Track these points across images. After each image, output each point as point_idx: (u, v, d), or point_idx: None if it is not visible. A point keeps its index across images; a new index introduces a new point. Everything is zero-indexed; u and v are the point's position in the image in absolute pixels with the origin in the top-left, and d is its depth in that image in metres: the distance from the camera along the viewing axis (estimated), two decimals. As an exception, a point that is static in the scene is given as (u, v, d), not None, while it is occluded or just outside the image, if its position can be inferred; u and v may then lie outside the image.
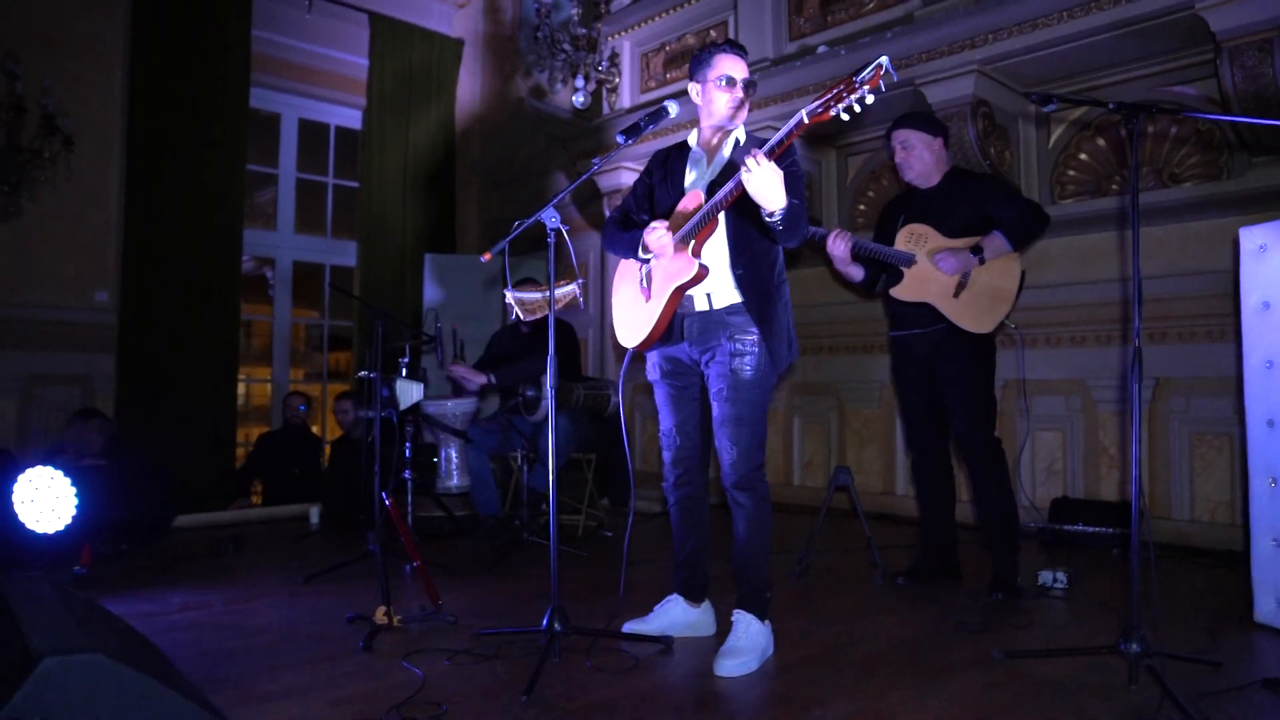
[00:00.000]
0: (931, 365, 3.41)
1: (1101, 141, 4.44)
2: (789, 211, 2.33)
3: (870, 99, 2.12)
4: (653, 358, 2.81)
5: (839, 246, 3.38)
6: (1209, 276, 4.06)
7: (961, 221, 3.35)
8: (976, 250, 3.27)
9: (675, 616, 2.80)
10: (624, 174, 5.97)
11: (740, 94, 2.60)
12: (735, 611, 2.59)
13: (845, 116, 2.16)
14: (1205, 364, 4.13)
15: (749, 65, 2.66)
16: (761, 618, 2.58)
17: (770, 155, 2.24)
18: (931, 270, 3.35)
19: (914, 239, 3.43)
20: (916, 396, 3.50)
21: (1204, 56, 3.82)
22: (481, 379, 4.43)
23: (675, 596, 2.83)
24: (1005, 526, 3.31)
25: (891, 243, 3.46)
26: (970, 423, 3.32)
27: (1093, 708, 2.14)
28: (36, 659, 1.13)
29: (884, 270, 3.52)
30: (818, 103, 2.17)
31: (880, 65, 2.09)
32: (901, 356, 3.54)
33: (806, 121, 2.20)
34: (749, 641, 2.50)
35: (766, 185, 2.25)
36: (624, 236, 2.77)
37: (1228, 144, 4.01)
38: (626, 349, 2.77)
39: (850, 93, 2.12)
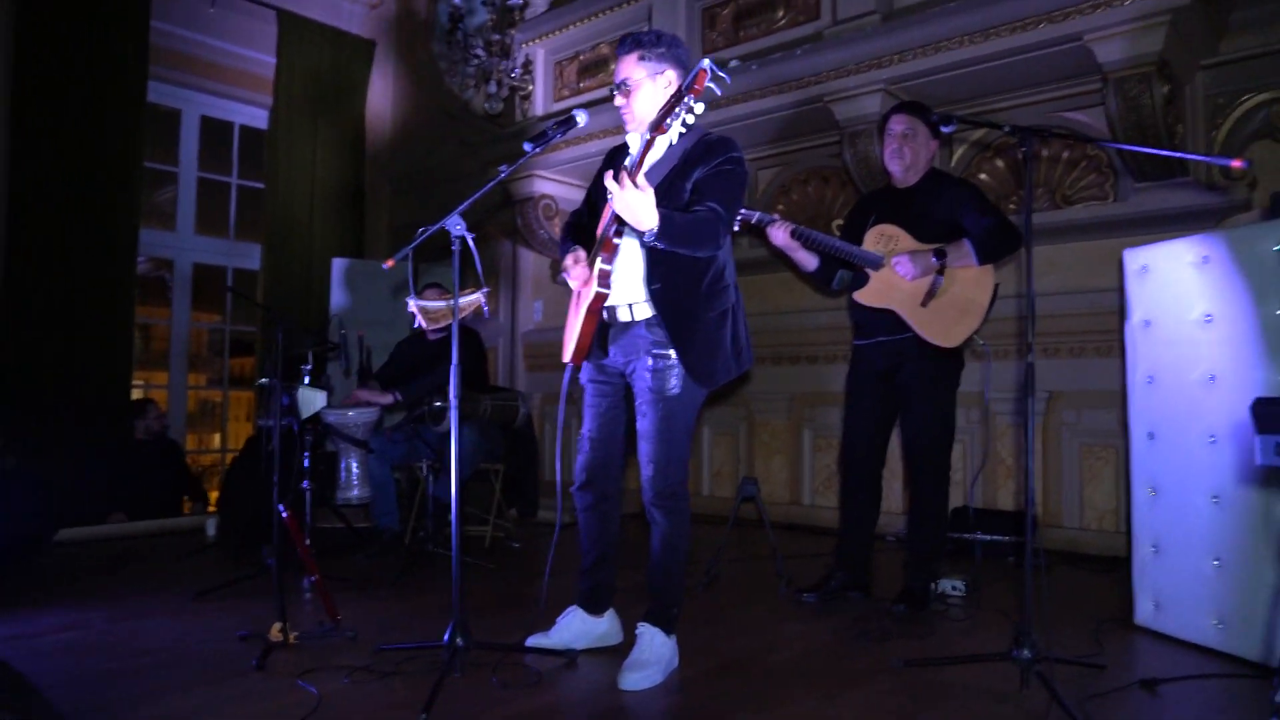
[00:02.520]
0: (892, 378, 3.26)
1: (1000, 163, 4.61)
2: (664, 229, 2.25)
3: (700, 106, 2.15)
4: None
5: (777, 235, 3.22)
6: (1097, 295, 4.25)
7: (937, 227, 3.18)
8: (940, 255, 3.11)
9: (577, 629, 2.75)
10: (536, 181, 5.93)
11: (620, 98, 2.53)
12: (640, 624, 2.55)
13: (683, 128, 2.23)
14: (1094, 378, 4.32)
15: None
16: (668, 632, 2.55)
17: (631, 176, 2.21)
18: (898, 275, 3.19)
19: (883, 240, 3.25)
20: (867, 412, 3.34)
21: (1093, 85, 4.01)
22: (387, 399, 4.32)
23: (574, 608, 2.78)
24: (932, 549, 3.26)
25: (860, 242, 3.28)
26: (926, 441, 3.20)
27: (987, 712, 2.21)
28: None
29: (843, 267, 3.36)
30: (655, 117, 2.24)
31: (703, 70, 2.10)
32: (861, 367, 3.36)
33: (650, 137, 2.27)
34: (653, 654, 2.47)
35: (630, 207, 2.21)
36: (561, 247, 2.72)
37: (1115, 169, 4.22)
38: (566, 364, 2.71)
39: (679, 102, 2.15)
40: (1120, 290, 3.10)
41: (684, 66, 2.52)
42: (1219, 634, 2.64)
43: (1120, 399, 4.12)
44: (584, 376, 2.76)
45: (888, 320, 3.21)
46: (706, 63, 2.11)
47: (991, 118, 4.40)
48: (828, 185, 5.27)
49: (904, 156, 3.25)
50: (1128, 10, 3.51)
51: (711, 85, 2.12)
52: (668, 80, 2.49)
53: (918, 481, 3.28)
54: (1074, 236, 4.37)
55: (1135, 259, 2.96)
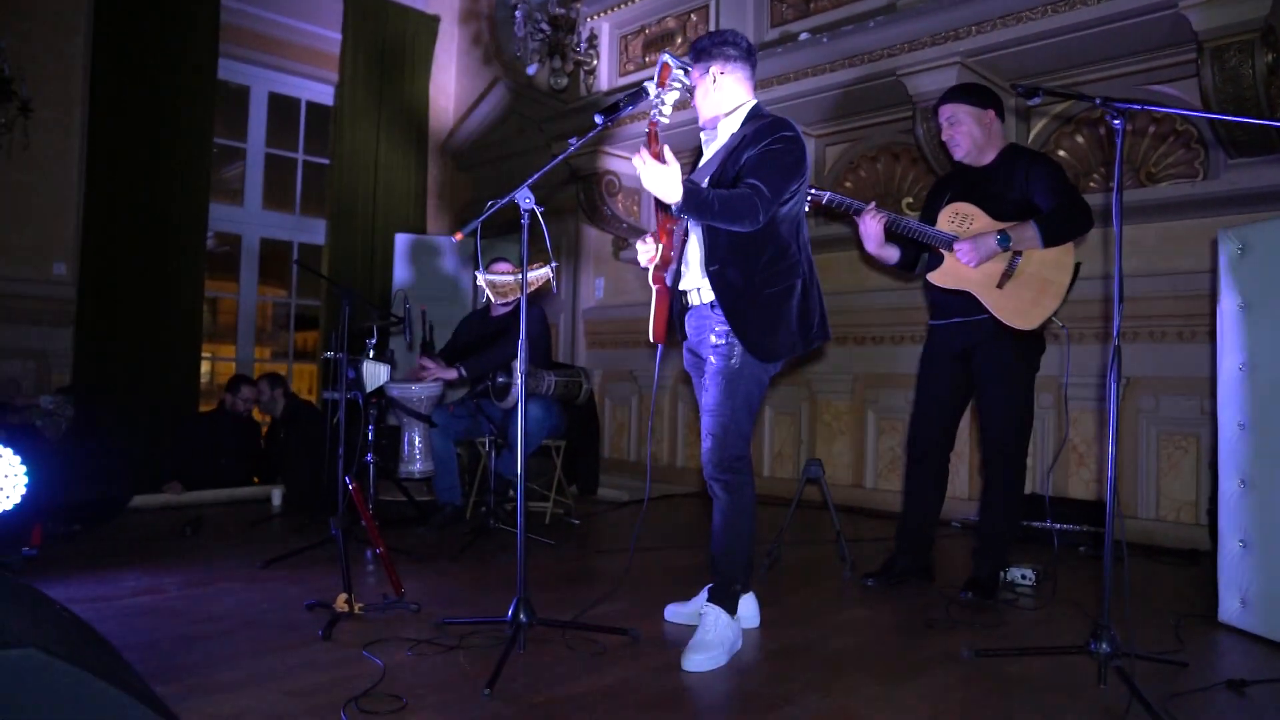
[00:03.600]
0: (969, 361, 3.17)
1: (1080, 138, 4.43)
2: (688, 201, 2.31)
3: (671, 95, 2.38)
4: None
5: (871, 226, 3.14)
6: (1182, 277, 4.08)
7: (1013, 204, 3.06)
8: (1004, 238, 2.99)
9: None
10: (600, 157, 5.89)
11: None
12: (705, 605, 2.55)
13: (664, 119, 2.42)
14: (1175, 364, 4.15)
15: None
16: (731, 612, 2.54)
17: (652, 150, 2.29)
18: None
19: (958, 219, 3.14)
20: (941, 393, 3.25)
21: (1185, 56, 3.82)
22: (451, 374, 4.34)
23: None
24: (1003, 539, 3.18)
25: (934, 222, 3.18)
26: (1002, 428, 3.10)
27: (1062, 707, 2.13)
28: (-37, 653, 1.06)
29: (924, 250, 3.28)
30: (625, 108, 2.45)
31: (665, 64, 2.35)
32: (937, 347, 3.27)
33: (650, 128, 2.41)
34: (716, 636, 2.46)
35: (653, 182, 2.28)
36: None
37: (1205, 144, 4.02)
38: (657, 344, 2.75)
39: (655, 95, 2.38)
40: (1212, 272, 2.96)
41: (729, 60, 2.62)
42: (1312, 634, 2.52)
43: (1204, 386, 3.96)
44: (686, 363, 2.82)
45: (963, 301, 3.11)
46: (665, 57, 2.37)
47: (1074, 89, 4.24)
48: (898, 162, 5.13)
49: (959, 144, 3.18)
50: (1230, -27, 3.32)
51: (679, 75, 2.38)
52: (712, 77, 2.62)
53: (991, 467, 3.19)
54: (1158, 216, 4.19)
55: (1233, 239, 2.80)
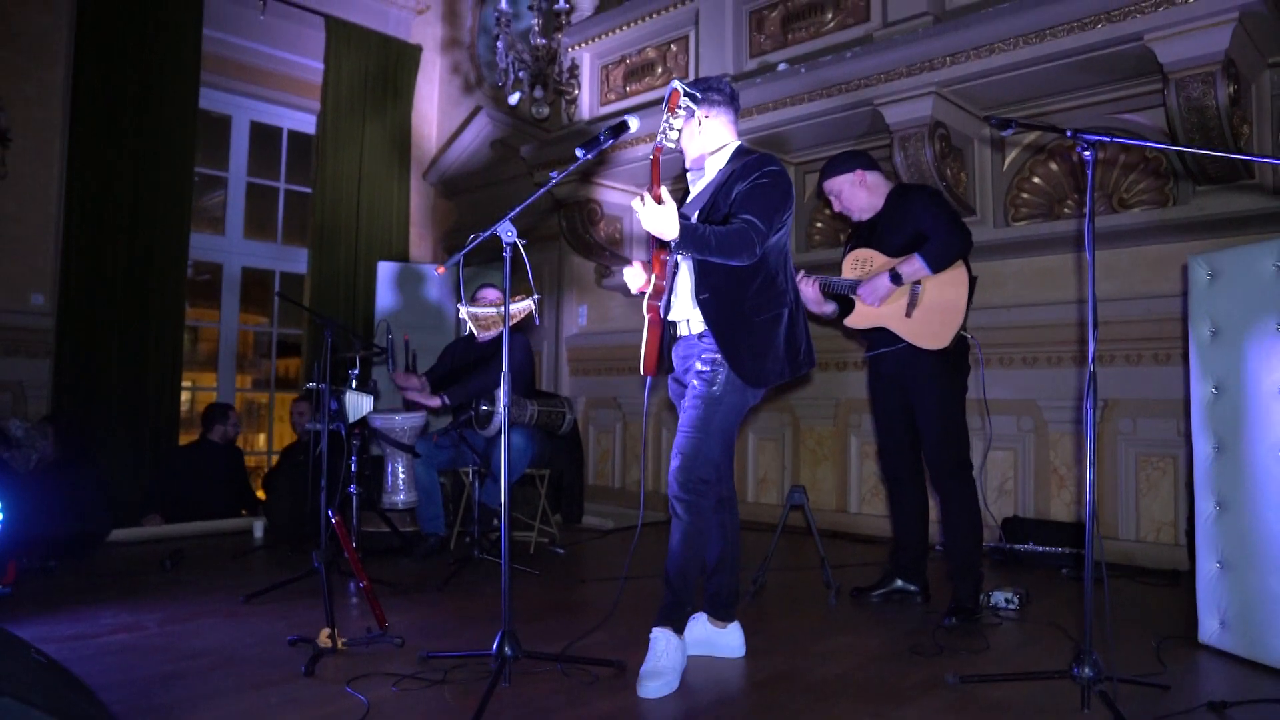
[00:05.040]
0: (902, 382, 3.39)
1: (1054, 165, 4.51)
2: (685, 239, 2.41)
3: (678, 121, 2.47)
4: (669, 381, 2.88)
5: (807, 290, 3.37)
6: (1156, 300, 4.14)
7: (901, 241, 3.33)
8: (895, 276, 3.27)
9: (697, 635, 2.76)
10: (584, 185, 5.93)
11: None
12: (654, 630, 2.55)
13: (670, 144, 2.50)
14: (1152, 386, 4.20)
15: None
16: (679, 633, 2.57)
17: (651, 192, 2.37)
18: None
19: (859, 264, 3.45)
20: (889, 411, 3.46)
21: (1153, 86, 3.90)
22: (435, 403, 4.34)
23: (699, 614, 2.80)
24: (969, 554, 3.27)
25: (840, 272, 3.48)
26: (939, 448, 3.28)
27: (1047, 734, 2.15)
28: (-59, 701, 1.04)
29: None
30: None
31: (674, 90, 2.44)
32: (874, 377, 3.52)
33: (652, 155, 2.50)
34: (669, 661, 2.48)
35: (651, 222, 2.37)
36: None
37: (1174, 172, 4.09)
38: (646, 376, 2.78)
39: (663, 120, 2.46)
40: (1183, 296, 3.01)
41: (714, 104, 2.73)
42: (1290, 655, 2.55)
43: (1180, 408, 4.01)
44: (671, 392, 2.87)
45: (883, 334, 3.38)
46: (675, 83, 2.46)
47: (1046, 120, 4.31)
48: (875, 189, 5.19)
49: (849, 210, 3.50)
50: (1192, 9, 3.40)
51: (686, 101, 2.46)
52: (697, 120, 2.70)
53: (939, 486, 3.35)
54: (1131, 241, 4.26)
55: (1202, 265, 2.86)
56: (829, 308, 3.52)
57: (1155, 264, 4.22)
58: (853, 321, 3.45)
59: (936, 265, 3.23)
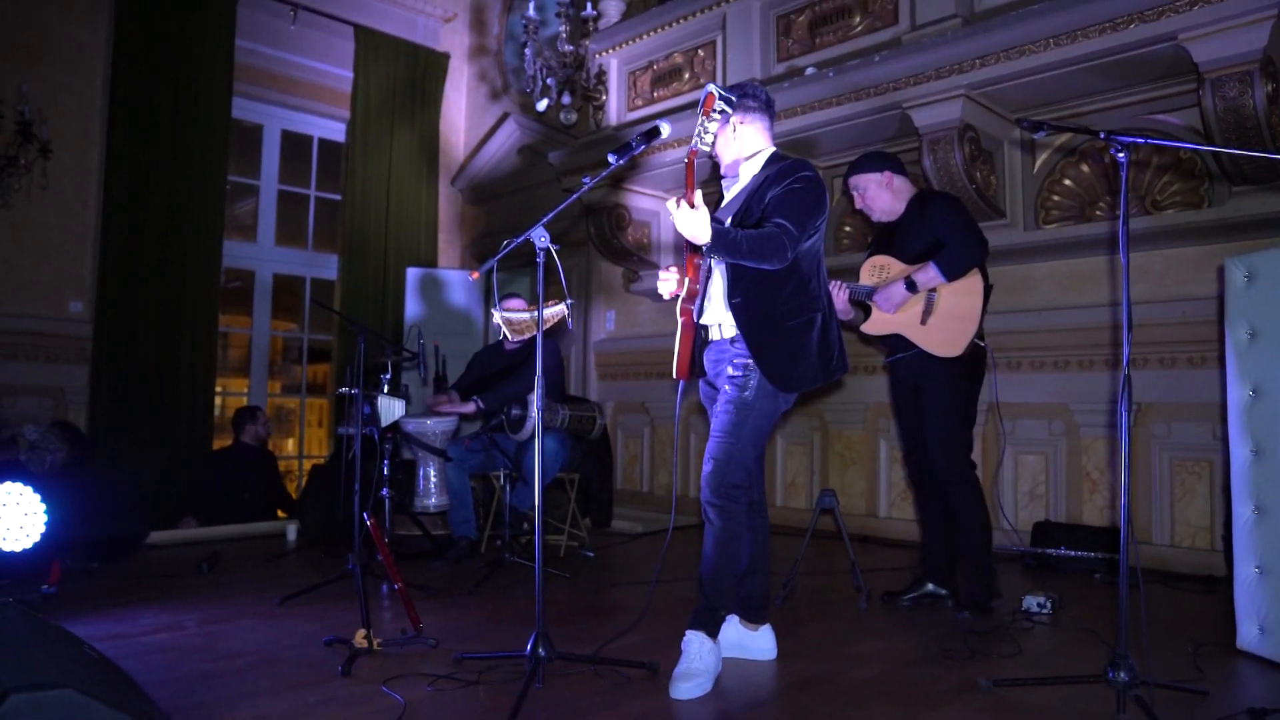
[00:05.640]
0: (917, 386, 3.43)
1: (1086, 167, 4.47)
2: (717, 243, 2.43)
3: (713, 124, 2.50)
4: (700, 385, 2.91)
5: (839, 299, 3.38)
6: (1190, 303, 4.10)
7: (919, 248, 3.36)
8: (910, 284, 3.30)
9: (729, 636, 2.77)
10: (612, 191, 5.96)
11: None
12: (688, 633, 2.56)
13: (705, 147, 2.54)
14: (1186, 390, 4.16)
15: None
16: (713, 637, 2.57)
17: (686, 198, 2.39)
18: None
19: (876, 270, 3.48)
20: (908, 416, 3.51)
21: (1187, 86, 3.86)
22: (469, 408, 4.39)
23: (731, 617, 2.80)
24: (976, 551, 3.33)
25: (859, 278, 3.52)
26: (940, 451, 3.33)
27: (1083, 739, 2.13)
28: (3, 695, 1.08)
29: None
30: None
31: (710, 93, 2.47)
32: (893, 378, 3.57)
33: (687, 159, 2.51)
34: (702, 664, 2.49)
35: (684, 226, 2.39)
36: None
37: (1209, 173, 4.05)
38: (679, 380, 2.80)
39: (698, 124, 2.49)
40: (1218, 298, 2.98)
41: (749, 110, 2.75)
42: (1332, 662, 2.51)
43: (1216, 411, 3.97)
44: (702, 395, 2.89)
45: (899, 340, 3.43)
46: (710, 87, 2.48)
47: (1078, 121, 4.28)
48: (904, 192, 5.17)
49: (872, 209, 3.50)
50: (1229, 6, 3.36)
51: (721, 105, 2.48)
52: (732, 126, 2.74)
53: (945, 490, 3.38)
54: (1164, 243, 4.22)
55: (1239, 266, 2.83)
56: (857, 315, 3.55)
57: (1189, 266, 4.18)
58: (869, 327, 3.49)
59: (951, 274, 3.27)
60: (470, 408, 4.37)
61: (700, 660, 2.49)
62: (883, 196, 3.46)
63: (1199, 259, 4.14)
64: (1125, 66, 3.88)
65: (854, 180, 3.51)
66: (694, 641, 2.53)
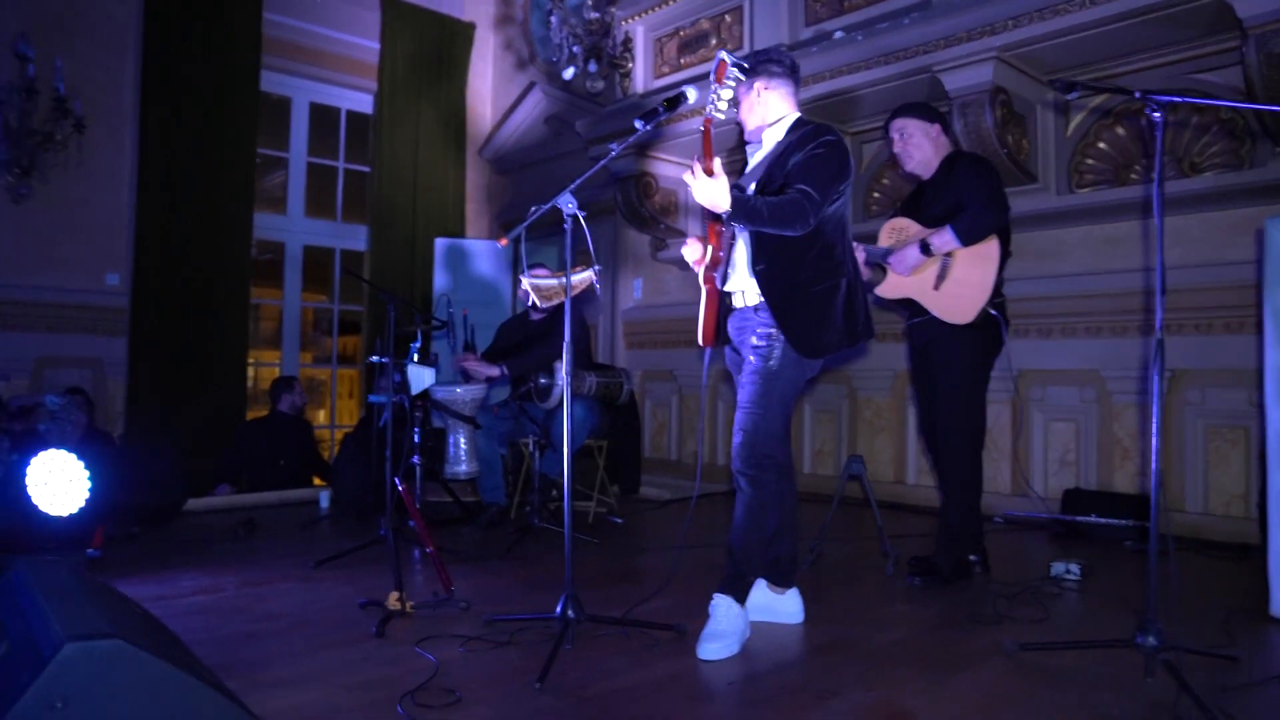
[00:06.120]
0: (927, 353, 3.40)
1: (1121, 130, 4.39)
2: (737, 210, 2.43)
3: (726, 92, 2.50)
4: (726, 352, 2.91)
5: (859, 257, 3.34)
6: (1228, 268, 4.02)
7: (940, 211, 3.28)
8: (924, 247, 3.23)
9: (757, 600, 2.78)
10: (639, 159, 5.94)
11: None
12: (715, 596, 2.59)
13: (720, 115, 2.54)
14: (1222, 356, 4.09)
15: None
16: (741, 602, 2.60)
17: (702, 165, 2.40)
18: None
19: (894, 233, 3.41)
20: (921, 384, 3.49)
21: (1229, 44, 3.77)
22: (494, 371, 4.42)
23: (759, 581, 2.81)
24: (955, 531, 3.30)
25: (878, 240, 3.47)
26: (945, 418, 3.29)
27: (1108, 701, 2.13)
28: (58, 644, 1.13)
29: None
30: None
31: (721, 60, 2.47)
32: (910, 345, 3.54)
33: (703, 127, 2.52)
34: (729, 625, 2.53)
35: (703, 194, 2.40)
36: None
37: (1251, 133, 3.96)
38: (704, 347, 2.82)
39: (711, 90, 2.49)
40: (1257, 262, 2.93)
41: (772, 76, 2.72)
42: (1366, 628, 2.49)
43: (1252, 378, 3.90)
44: (728, 361, 2.90)
45: (915, 304, 3.37)
46: (722, 54, 2.48)
47: (1113, 82, 4.20)
48: (934, 157, 5.10)
49: (911, 156, 3.39)
50: (1273, -42, 3.28)
51: (734, 73, 2.49)
52: (756, 91, 2.72)
53: (943, 460, 3.35)
54: (1203, 206, 4.13)
55: None
56: (869, 275, 3.46)
57: (1228, 229, 4.09)
58: (883, 291, 3.43)
59: (967, 238, 3.18)
60: (496, 371, 4.40)
61: (728, 622, 2.53)
62: (924, 146, 3.36)
63: (1239, 222, 4.05)
64: (1163, 24, 3.79)
65: (901, 123, 3.39)
66: (721, 604, 2.57)
